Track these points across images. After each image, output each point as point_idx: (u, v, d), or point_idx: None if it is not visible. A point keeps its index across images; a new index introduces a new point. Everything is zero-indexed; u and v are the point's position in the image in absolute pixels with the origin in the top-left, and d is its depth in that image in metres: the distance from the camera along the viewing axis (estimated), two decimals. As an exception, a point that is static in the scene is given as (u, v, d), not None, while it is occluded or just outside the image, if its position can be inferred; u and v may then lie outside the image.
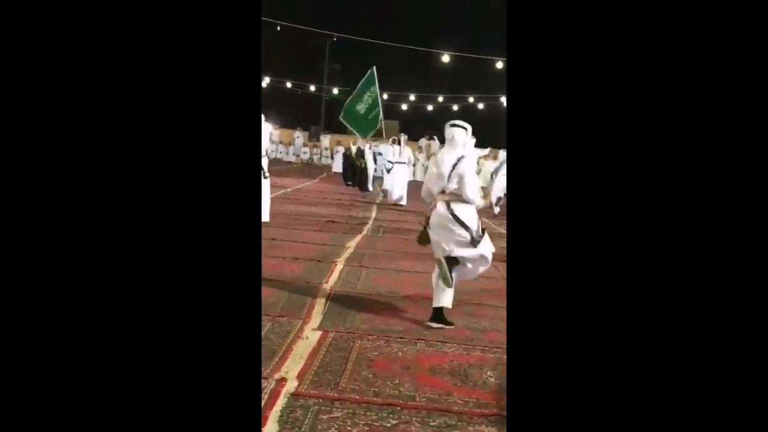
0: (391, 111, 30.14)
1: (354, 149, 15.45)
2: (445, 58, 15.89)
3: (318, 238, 6.72)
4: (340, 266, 5.25)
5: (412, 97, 26.74)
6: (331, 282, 4.66)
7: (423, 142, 22.01)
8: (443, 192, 3.70)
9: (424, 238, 3.87)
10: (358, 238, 6.98)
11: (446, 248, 3.66)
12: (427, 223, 3.80)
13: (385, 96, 29.08)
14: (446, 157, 3.71)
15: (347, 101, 12.75)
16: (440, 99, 25.85)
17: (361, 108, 12.40)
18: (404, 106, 27.86)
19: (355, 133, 12.65)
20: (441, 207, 3.70)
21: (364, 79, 12.72)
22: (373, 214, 9.61)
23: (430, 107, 26.70)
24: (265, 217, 6.92)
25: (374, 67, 12.94)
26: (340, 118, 12.67)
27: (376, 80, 12.75)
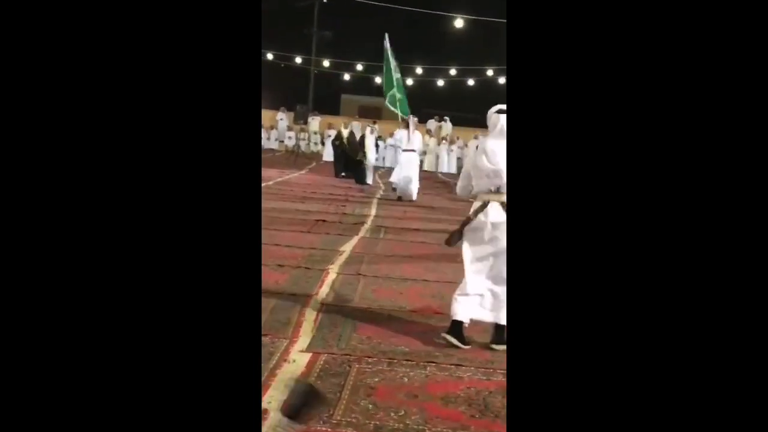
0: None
1: (346, 133, 15.40)
2: (458, 23, 15.88)
3: (306, 240, 6.74)
4: (332, 274, 5.27)
5: (418, 70, 26.79)
6: (322, 294, 4.68)
7: (432, 124, 22.08)
8: (497, 191, 3.73)
9: (455, 239, 3.90)
10: (355, 240, 7.00)
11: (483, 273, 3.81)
12: (467, 224, 3.82)
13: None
14: (498, 149, 3.68)
15: (385, 81, 13.08)
16: (452, 72, 25.93)
17: (396, 88, 12.68)
18: (409, 81, 27.81)
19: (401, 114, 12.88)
20: (496, 209, 3.72)
21: (385, 52, 12.98)
22: (373, 212, 9.63)
23: (440, 82, 26.77)
24: None
25: (387, 36, 13.06)
26: (389, 104, 12.97)
27: (389, 51, 12.91)
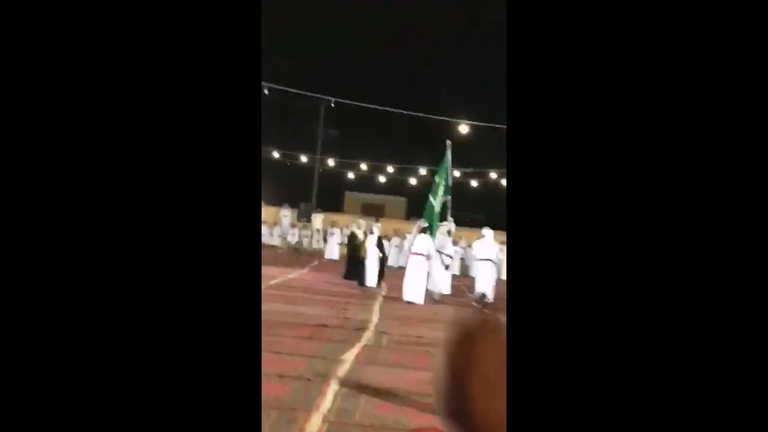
0: (396, 187, 30.75)
1: (360, 234, 15.15)
2: (463, 128, 16.34)
3: (308, 347, 6.66)
4: (334, 387, 5.18)
5: (422, 171, 27.31)
6: (323, 409, 4.59)
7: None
8: None
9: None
10: (357, 348, 6.92)
11: None
12: None
13: (390, 169, 30.03)
14: None
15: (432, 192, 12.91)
16: (456, 174, 26.43)
17: (436, 202, 12.58)
18: (413, 181, 28.35)
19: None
20: None
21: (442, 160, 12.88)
22: (375, 317, 9.56)
23: (444, 183, 27.23)
24: None
25: (448, 143, 13.23)
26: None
27: (449, 159, 12.93)
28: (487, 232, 12.69)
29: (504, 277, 14.37)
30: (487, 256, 12.25)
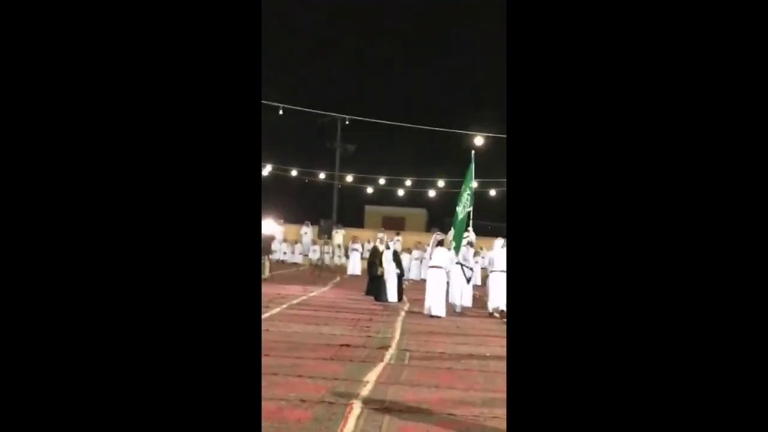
0: (416, 199, 30.76)
1: (381, 247, 15.09)
2: (478, 140, 16.35)
3: (330, 369, 6.65)
4: (357, 409, 5.17)
5: (440, 183, 27.29)
6: (345, 433, 4.58)
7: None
8: None
9: None
10: (379, 368, 6.90)
11: None
12: None
13: (408, 182, 30.05)
14: None
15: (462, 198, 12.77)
16: (474, 184, 26.39)
17: (460, 211, 12.52)
18: (431, 193, 28.32)
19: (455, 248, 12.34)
20: None
21: (467, 171, 12.86)
22: (397, 334, 9.53)
23: (462, 193, 27.18)
24: None
25: (473, 152, 13.23)
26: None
27: (473, 169, 12.96)
28: (499, 242, 12.63)
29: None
30: (500, 267, 12.19)
